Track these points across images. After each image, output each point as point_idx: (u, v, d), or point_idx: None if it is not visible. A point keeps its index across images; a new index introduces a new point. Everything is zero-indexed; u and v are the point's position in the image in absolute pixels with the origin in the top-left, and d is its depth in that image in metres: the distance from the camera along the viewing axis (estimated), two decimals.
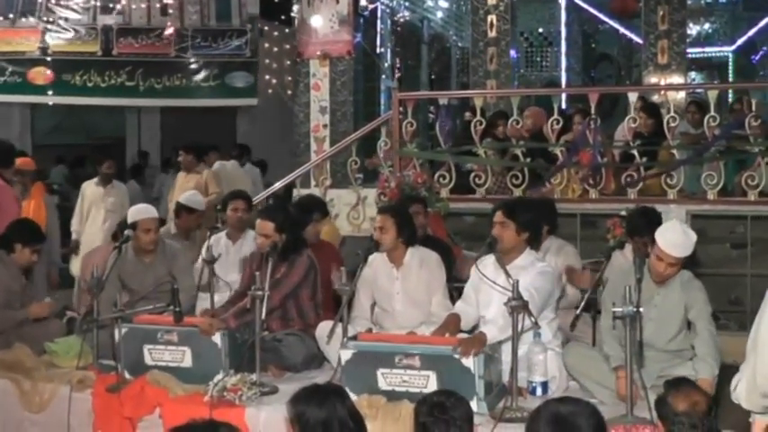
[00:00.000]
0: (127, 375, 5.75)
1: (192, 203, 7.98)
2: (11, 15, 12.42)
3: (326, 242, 7.54)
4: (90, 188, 9.77)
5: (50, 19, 12.27)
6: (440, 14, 16.88)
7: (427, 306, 6.08)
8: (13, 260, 6.56)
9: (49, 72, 12.29)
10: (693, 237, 5.17)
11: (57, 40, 12.22)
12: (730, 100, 13.24)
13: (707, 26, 16.42)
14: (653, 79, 11.60)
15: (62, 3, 12.34)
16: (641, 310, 4.70)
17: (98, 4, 12.32)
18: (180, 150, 10.20)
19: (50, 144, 17.46)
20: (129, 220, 6.63)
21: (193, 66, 12.37)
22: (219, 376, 5.34)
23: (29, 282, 6.75)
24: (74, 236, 9.78)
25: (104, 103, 13.08)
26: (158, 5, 12.38)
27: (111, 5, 12.33)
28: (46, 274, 8.64)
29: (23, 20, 12.44)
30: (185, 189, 9.46)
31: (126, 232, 6.58)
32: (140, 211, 6.75)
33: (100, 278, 6.04)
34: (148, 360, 5.85)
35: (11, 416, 5.97)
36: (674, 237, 5.10)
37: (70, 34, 12.26)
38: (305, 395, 3.67)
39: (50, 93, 12.45)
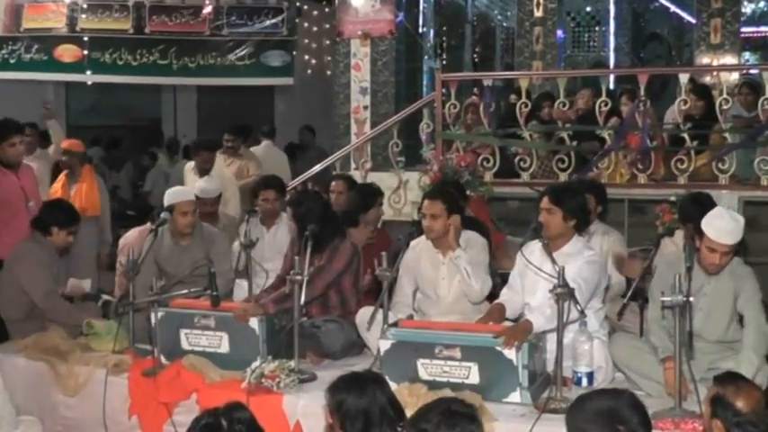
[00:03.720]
0: (163, 360, 5.80)
1: (200, 193, 7.82)
2: None
3: (382, 229, 7.58)
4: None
5: None
6: None
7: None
8: (50, 242, 6.63)
9: (77, 50, 12.27)
10: (742, 220, 5.08)
11: (86, 16, 12.21)
12: None
13: (762, 4, 16.15)
14: (705, 60, 11.45)
15: None
16: (691, 299, 4.65)
17: None
18: (227, 134, 10.11)
19: (85, 125, 17.58)
20: (166, 203, 6.66)
21: (228, 44, 12.37)
22: (257, 363, 5.36)
23: (64, 262, 6.82)
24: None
25: (136, 81, 13.03)
26: None
27: None
28: (96, 256, 8.72)
29: None
30: (229, 172, 9.51)
31: (162, 215, 6.60)
32: (177, 194, 6.77)
33: (136, 261, 6.08)
34: (185, 345, 5.90)
35: (46, 399, 6.05)
36: (724, 224, 4.99)
37: (100, 11, 12.25)
38: (344, 383, 3.69)
39: (79, 71, 12.40)
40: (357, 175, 9.63)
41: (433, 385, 5.01)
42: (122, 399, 5.75)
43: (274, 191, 7.63)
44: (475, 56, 16.47)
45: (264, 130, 11.88)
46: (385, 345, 5.21)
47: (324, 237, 6.01)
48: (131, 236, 7.71)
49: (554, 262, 5.02)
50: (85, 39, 12.18)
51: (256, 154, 10.74)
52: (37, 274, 6.47)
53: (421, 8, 14.06)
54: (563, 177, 8.57)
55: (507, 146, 9.23)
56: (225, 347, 5.81)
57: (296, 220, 6.17)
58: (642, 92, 8.48)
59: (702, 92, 9.08)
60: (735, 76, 10.95)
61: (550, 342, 5.12)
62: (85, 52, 12.16)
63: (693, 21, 12.22)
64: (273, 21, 12.33)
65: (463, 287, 5.93)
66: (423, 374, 5.11)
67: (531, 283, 5.56)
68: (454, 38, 16.00)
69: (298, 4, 13.07)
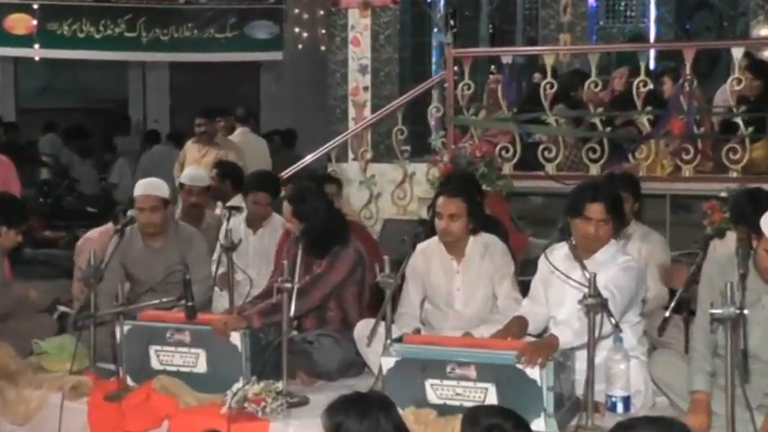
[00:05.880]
0: (129, 382, 5.81)
1: (187, 180, 7.88)
2: None
3: (357, 224, 7.53)
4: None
5: None
6: None
7: (490, 303, 6.04)
8: None
9: (31, 20, 12.21)
10: None
11: None
12: None
13: None
14: (763, 32, 11.46)
15: None
16: (746, 312, 4.62)
17: None
18: (199, 118, 10.08)
19: (39, 108, 17.59)
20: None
21: (207, 14, 12.37)
22: (239, 384, 5.36)
23: None
24: None
25: (99, 57, 13.02)
26: None
27: None
28: None
29: None
30: (204, 164, 9.50)
31: (129, 212, 6.60)
32: (138, 187, 6.78)
33: (98, 266, 6.07)
34: (155, 364, 5.89)
35: None
36: None
37: None
38: (344, 404, 3.71)
39: (34, 44, 12.34)
40: (356, 167, 9.63)
41: (443, 410, 5.02)
42: (81, 427, 5.74)
43: (268, 194, 7.63)
44: (492, 28, 16.49)
45: (239, 114, 11.32)
46: (388, 363, 5.20)
47: (327, 241, 6.04)
48: (91, 236, 7.71)
49: (584, 267, 5.01)
50: (40, 8, 12.13)
51: (242, 142, 10.69)
52: None
53: None
54: (594, 170, 8.57)
55: (529, 133, 9.23)
56: (202, 366, 5.81)
57: (299, 219, 6.13)
58: (688, 70, 8.48)
59: (760, 69, 9.04)
60: None
61: (580, 361, 5.12)
62: (35, 22, 12.10)
63: None
64: None
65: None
66: (432, 398, 5.11)
67: (558, 294, 5.53)
68: (468, 7, 16.02)
69: None
